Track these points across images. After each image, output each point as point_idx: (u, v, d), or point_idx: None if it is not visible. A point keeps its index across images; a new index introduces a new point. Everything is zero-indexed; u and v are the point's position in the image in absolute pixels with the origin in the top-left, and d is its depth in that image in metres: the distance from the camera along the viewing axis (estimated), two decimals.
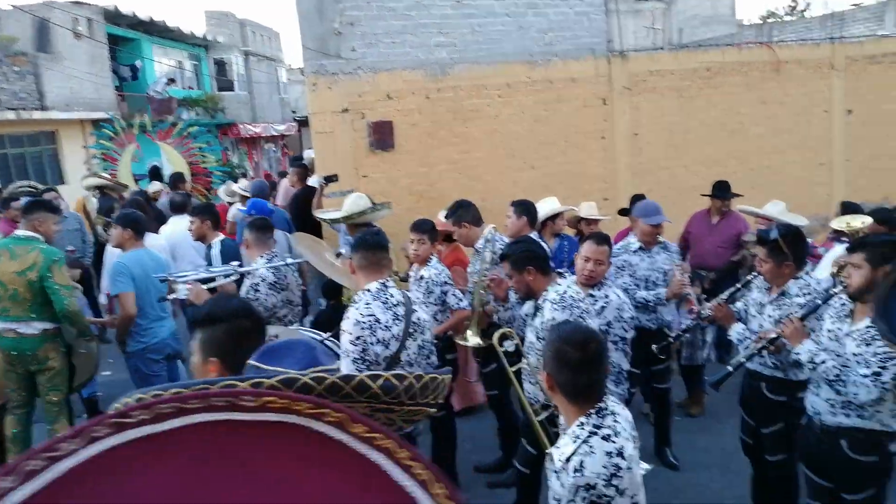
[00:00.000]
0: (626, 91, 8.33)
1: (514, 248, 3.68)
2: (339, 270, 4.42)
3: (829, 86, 9.60)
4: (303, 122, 26.71)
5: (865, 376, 2.88)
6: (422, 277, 4.60)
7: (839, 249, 4.80)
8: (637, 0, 20.83)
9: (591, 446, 2.06)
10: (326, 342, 3.59)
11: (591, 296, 3.96)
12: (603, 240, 4.08)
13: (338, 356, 3.33)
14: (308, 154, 8.21)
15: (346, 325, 3.18)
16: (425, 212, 7.42)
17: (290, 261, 4.60)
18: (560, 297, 3.46)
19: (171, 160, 11.21)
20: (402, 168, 7.32)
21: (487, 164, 7.76)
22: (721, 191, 6.43)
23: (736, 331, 3.73)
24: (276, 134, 29.37)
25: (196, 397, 0.76)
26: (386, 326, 3.21)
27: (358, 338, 3.13)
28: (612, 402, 2.21)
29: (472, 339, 4.51)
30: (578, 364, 2.10)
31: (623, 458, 2.05)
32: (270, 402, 0.78)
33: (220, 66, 26.30)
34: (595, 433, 2.08)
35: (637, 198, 6.02)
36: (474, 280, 4.77)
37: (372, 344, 3.15)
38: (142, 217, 5.14)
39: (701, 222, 6.59)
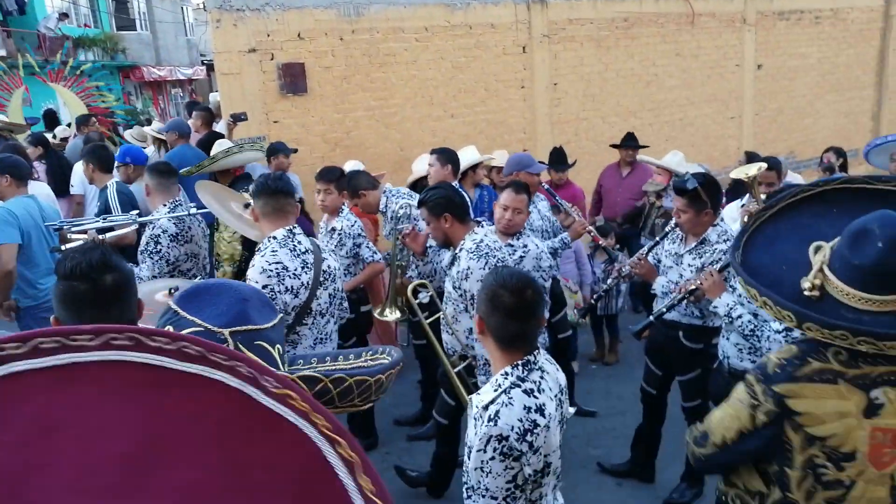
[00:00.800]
0: (546, 39, 8.21)
1: (431, 194, 3.52)
2: (246, 222, 4.14)
3: (740, 40, 9.81)
4: (212, 67, 25.31)
5: (778, 332, 2.91)
6: (333, 229, 4.40)
7: (734, 203, 4.88)
8: None
9: (510, 397, 1.97)
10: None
11: (510, 245, 3.89)
12: (521, 188, 3.99)
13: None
14: (214, 98, 7.70)
15: (252, 273, 2.99)
16: (341, 160, 7.15)
17: (194, 211, 4.28)
18: (476, 246, 3.36)
19: (68, 102, 10.27)
20: (315, 114, 6.98)
21: (406, 111, 7.52)
22: (628, 141, 6.48)
23: (660, 284, 3.74)
24: (183, 78, 27.76)
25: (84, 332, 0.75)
26: (294, 274, 3.04)
27: (265, 286, 2.93)
28: (544, 359, 2.13)
29: (392, 313, 4.38)
30: (512, 309, 2.00)
31: (542, 415, 1.97)
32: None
33: (120, 2, 24.44)
34: (518, 385, 2.00)
35: (556, 151, 5.95)
36: (389, 248, 4.64)
37: (280, 293, 2.97)
38: (20, 161, 4.66)
39: (612, 175, 6.66)
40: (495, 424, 1.93)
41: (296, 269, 3.04)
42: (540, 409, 1.97)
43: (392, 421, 5.07)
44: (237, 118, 6.31)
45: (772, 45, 10.13)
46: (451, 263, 3.52)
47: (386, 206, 4.68)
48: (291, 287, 3.01)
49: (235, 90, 6.55)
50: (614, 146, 6.68)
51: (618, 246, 5.76)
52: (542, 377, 2.05)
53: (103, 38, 21.76)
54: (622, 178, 6.54)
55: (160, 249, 4.05)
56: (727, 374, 3.30)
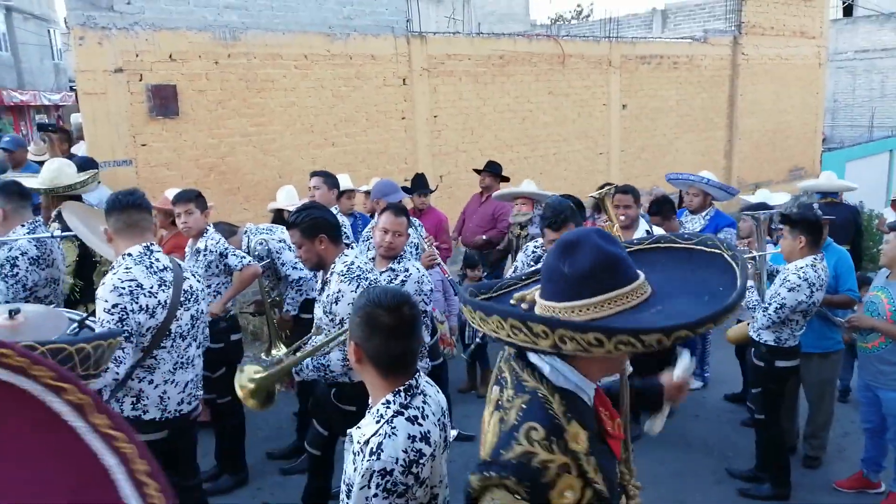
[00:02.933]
0: (426, 72, 8.41)
1: (303, 215, 3.37)
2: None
3: (607, 81, 10.48)
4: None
5: None
6: (198, 250, 4.23)
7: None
8: None
9: (393, 427, 1.82)
10: (87, 322, 3.15)
11: (392, 269, 3.86)
12: (401, 211, 3.99)
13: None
14: (75, 118, 7.26)
15: (101, 291, 2.80)
16: (216, 188, 6.95)
17: (57, 233, 3.98)
18: (347, 269, 3.29)
19: None
20: (188, 137, 6.74)
21: (285, 138, 7.42)
22: (489, 168, 6.71)
23: None
24: (48, 104, 25.99)
25: None
26: (150, 293, 2.87)
27: (115, 305, 2.75)
28: (425, 383, 2.00)
29: (278, 350, 4.25)
30: (391, 329, 1.84)
31: (428, 443, 1.83)
32: None
33: None
34: (401, 413, 1.84)
35: (418, 177, 6.08)
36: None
37: (133, 312, 2.80)
38: None
39: (473, 202, 6.86)
40: (378, 458, 1.77)
41: (152, 287, 2.88)
42: (425, 438, 1.84)
43: (265, 454, 4.88)
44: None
45: (635, 86, 10.89)
46: (322, 288, 3.44)
47: (248, 246, 4.58)
48: (147, 306, 2.85)
49: (99, 111, 6.21)
50: (476, 171, 6.87)
51: (486, 273, 5.84)
52: (424, 402, 1.92)
53: None
54: (479, 204, 6.73)
55: (17, 273, 3.73)
56: None
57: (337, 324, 3.27)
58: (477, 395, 5.81)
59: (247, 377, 3.26)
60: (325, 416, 3.58)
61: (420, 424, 1.85)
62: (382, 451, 1.77)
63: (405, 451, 1.78)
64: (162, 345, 2.95)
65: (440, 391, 2.09)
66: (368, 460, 1.77)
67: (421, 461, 1.80)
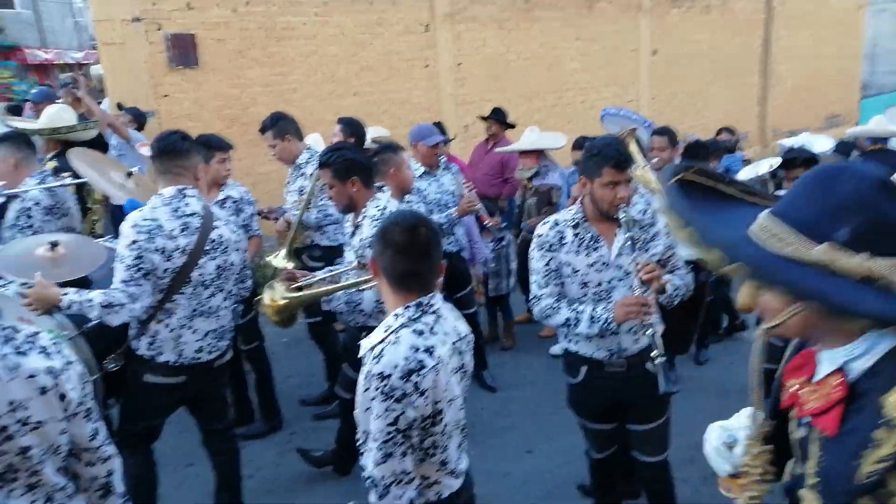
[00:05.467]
0: (448, 18, 8.17)
1: (335, 156, 3.25)
2: (131, 192, 3.84)
3: (636, 26, 10.13)
4: None
5: (688, 273, 2.92)
6: (227, 198, 4.17)
7: None
8: None
9: (398, 336, 1.86)
10: None
11: (408, 202, 3.84)
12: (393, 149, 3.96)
13: None
14: (95, 70, 7.20)
15: (124, 226, 2.78)
16: (239, 139, 6.85)
17: (69, 181, 3.93)
18: (380, 213, 3.20)
19: None
20: (208, 88, 6.65)
21: (306, 88, 7.29)
22: (495, 115, 6.43)
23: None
24: (72, 62, 26.01)
25: None
26: (170, 235, 2.82)
27: (133, 241, 2.71)
28: (442, 305, 2.01)
29: (281, 261, 4.20)
30: (403, 247, 1.89)
31: (430, 356, 1.85)
32: None
33: None
34: (407, 326, 1.89)
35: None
36: (294, 199, 4.45)
37: (148, 251, 2.76)
38: None
39: (478, 150, 6.59)
40: (378, 362, 1.83)
41: (172, 231, 2.82)
42: (428, 350, 1.86)
43: (298, 402, 4.90)
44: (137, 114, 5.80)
45: (666, 31, 10.52)
46: (353, 232, 3.37)
47: (308, 160, 4.51)
48: (163, 248, 2.79)
49: (119, 61, 6.14)
50: (482, 118, 6.55)
51: (504, 224, 5.69)
52: (436, 321, 1.95)
53: None
54: (485, 152, 6.49)
55: (32, 224, 3.71)
56: (625, 366, 2.84)
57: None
58: (501, 346, 5.72)
59: (279, 293, 3.24)
60: (356, 359, 3.55)
61: (425, 338, 1.89)
62: (383, 357, 1.83)
63: (405, 359, 1.82)
64: (181, 290, 2.90)
65: (461, 319, 2.10)
66: (370, 364, 1.85)
67: (422, 371, 1.82)
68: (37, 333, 1.67)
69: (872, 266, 1.08)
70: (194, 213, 2.93)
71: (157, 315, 2.88)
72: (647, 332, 2.64)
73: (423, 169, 4.81)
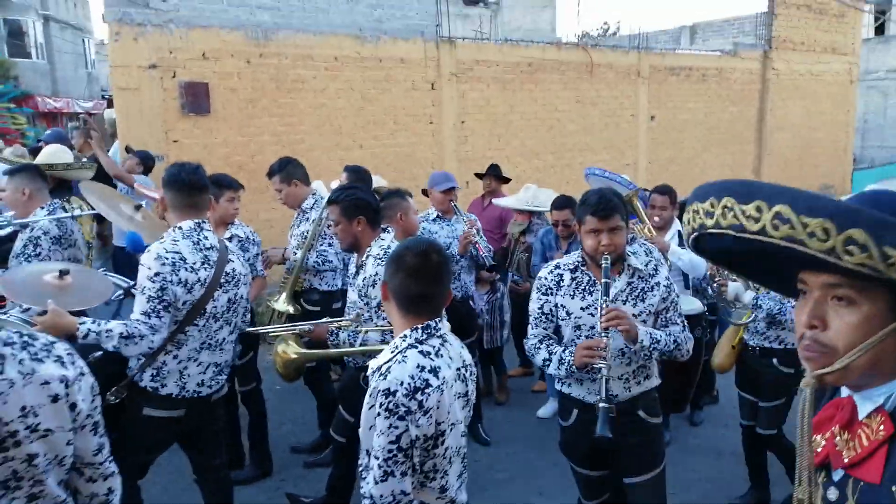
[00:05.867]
0: (454, 77, 8.44)
1: (345, 194, 3.33)
2: (139, 225, 3.91)
3: (635, 91, 10.44)
4: (112, 102, 24.41)
5: (683, 331, 2.87)
6: (234, 236, 4.24)
7: None
8: (466, 5, 21.52)
9: (405, 356, 1.91)
10: (133, 291, 3.16)
11: None
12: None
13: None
14: (108, 114, 7.38)
15: (146, 258, 2.80)
16: (245, 185, 6.97)
17: (77, 212, 4.02)
18: (384, 252, 3.25)
19: None
20: (218, 135, 6.81)
21: (313, 139, 7.47)
22: (491, 171, 6.51)
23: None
24: (80, 112, 26.54)
25: None
26: (192, 268, 2.85)
27: (157, 274, 2.75)
28: (448, 332, 2.07)
29: (283, 305, 4.23)
30: (415, 270, 1.95)
31: (436, 376, 1.89)
32: None
33: (15, 29, 23.28)
34: (415, 347, 1.94)
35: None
36: (297, 243, 4.51)
37: (172, 283, 2.79)
38: None
39: (475, 205, 6.68)
40: (384, 378, 1.86)
41: (194, 263, 2.87)
42: (434, 371, 1.90)
43: (290, 449, 4.84)
44: (144, 157, 5.93)
45: (664, 98, 10.84)
46: (357, 272, 3.42)
47: (313, 206, 4.61)
48: (186, 280, 2.83)
49: (133, 106, 6.30)
50: (478, 175, 6.65)
51: (498, 276, 5.73)
52: (442, 345, 2.00)
53: None
54: (483, 208, 6.59)
55: (40, 252, 3.77)
56: (612, 414, 2.71)
57: (373, 308, 3.23)
58: (495, 401, 5.61)
59: (292, 348, 3.29)
60: (352, 401, 3.54)
61: (431, 359, 1.92)
62: (389, 374, 1.87)
63: (411, 378, 1.85)
64: (195, 322, 2.93)
65: (465, 348, 2.14)
66: (376, 381, 1.89)
67: (427, 390, 1.85)
68: (54, 342, 1.69)
69: None
70: (213, 247, 2.99)
71: (165, 346, 2.88)
72: (598, 376, 2.64)
73: (436, 213, 4.94)
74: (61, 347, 1.69)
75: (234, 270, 3.08)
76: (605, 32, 33.31)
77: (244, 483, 4.29)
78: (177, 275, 2.80)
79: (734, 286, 3.88)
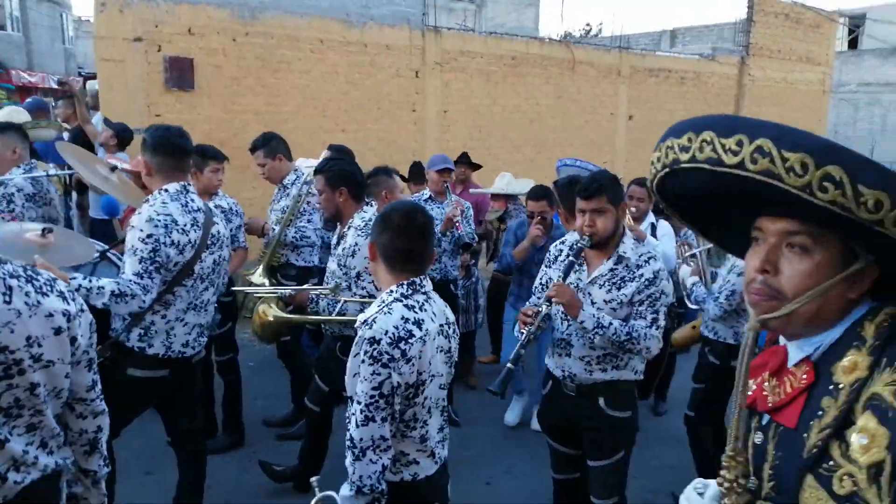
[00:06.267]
0: (438, 67, 8.52)
1: (331, 164, 3.41)
2: (114, 186, 3.92)
3: (615, 90, 10.61)
4: (90, 78, 24.01)
5: (649, 327, 2.74)
6: (217, 207, 4.28)
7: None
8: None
9: (390, 308, 2.00)
10: (109, 254, 3.19)
11: None
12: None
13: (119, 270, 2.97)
14: (91, 86, 7.33)
15: (137, 220, 2.82)
16: (226, 163, 6.99)
17: (52, 171, 4.04)
18: (365, 224, 3.31)
19: None
20: (201, 111, 6.81)
21: (297, 120, 7.49)
22: (462, 159, 6.55)
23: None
24: (56, 87, 26.06)
25: None
26: (183, 230, 2.89)
27: (150, 235, 2.78)
28: (432, 292, 2.15)
29: (259, 277, 4.29)
30: (402, 228, 2.04)
31: (419, 328, 1.99)
32: None
33: None
34: (400, 300, 2.02)
35: (415, 164, 6.17)
36: (277, 217, 4.56)
37: (165, 245, 2.83)
38: None
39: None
40: (370, 328, 1.95)
41: (185, 225, 2.91)
42: (418, 323, 1.99)
43: (261, 422, 4.89)
44: (121, 130, 5.88)
45: (643, 98, 11.03)
46: (338, 242, 3.48)
47: (294, 182, 4.65)
48: (178, 242, 2.87)
49: (117, 78, 6.28)
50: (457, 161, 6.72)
51: (473, 261, 5.80)
52: (427, 301, 2.09)
53: None
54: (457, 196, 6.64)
55: (13, 209, 3.78)
56: (574, 393, 2.89)
57: (353, 277, 3.30)
58: (466, 384, 5.63)
59: (272, 311, 3.35)
60: (328, 371, 3.61)
61: (415, 312, 2.01)
62: (375, 324, 1.96)
63: (395, 328, 1.94)
64: (183, 283, 2.98)
65: (448, 308, 2.21)
66: (362, 329, 1.98)
67: (410, 340, 1.95)
68: (55, 279, 1.74)
69: None
70: (199, 209, 3.04)
71: (153, 306, 2.91)
72: (564, 350, 2.86)
73: (429, 194, 5.03)
74: (62, 284, 1.75)
75: (218, 232, 3.14)
76: (587, 33, 33.60)
77: (216, 452, 4.32)
78: (169, 236, 2.84)
79: (683, 271, 4.04)
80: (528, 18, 30.18)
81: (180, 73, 6.53)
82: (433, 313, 2.08)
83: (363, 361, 1.94)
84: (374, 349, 1.92)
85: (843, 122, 24.46)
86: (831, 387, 1.05)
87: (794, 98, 13.50)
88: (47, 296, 1.66)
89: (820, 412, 1.05)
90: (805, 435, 1.07)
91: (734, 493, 1.18)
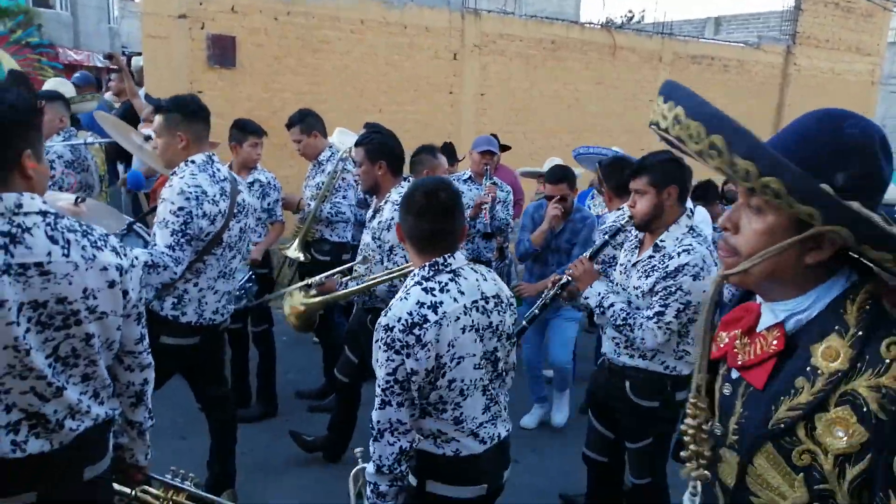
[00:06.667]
0: (476, 49, 8.49)
1: (372, 137, 3.41)
2: (148, 154, 4.04)
3: (656, 77, 10.44)
4: (135, 55, 24.38)
5: (649, 318, 2.64)
6: (256, 181, 4.37)
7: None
8: None
9: (408, 293, 1.99)
10: (135, 227, 3.27)
11: None
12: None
13: (146, 243, 3.04)
14: (136, 62, 7.48)
15: (168, 193, 2.84)
16: (266, 141, 7.07)
17: (90, 139, 4.19)
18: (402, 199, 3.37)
19: (7, 64, 9.75)
20: (243, 89, 6.91)
21: (335, 100, 7.55)
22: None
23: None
24: (100, 66, 26.62)
25: None
26: (213, 200, 2.92)
27: (181, 208, 2.81)
28: (465, 265, 2.08)
29: (294, 252, 4.36)
30: (424, 209, 2.01)
31: (435, 312, 1.94)
32: None
33: None
34: (419, 284, 2.00)
35: (446, 145, 6.13)
36: (312, 193, 4.63)
37: (197, 216, 2.86)
38: None
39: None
40: (386, 315, 1.96)
41: (214, 196, 2.94)
42: (434, 306, 1.96)
43: (294, 394, 4.99)
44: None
45: (685, 85, 10.82)
46: (373, 216, 3.49)
47: (329, 158, 4.71)
48: (209, 213, 2.90)
49: (161, 54, 6.40)
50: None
51: (506, 243, 5.78)
52: (453, 279, 2.03)
53: (16, 10, 20.63)
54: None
55: (53, 175, 3.92)
56: (606, 370, 2.93)
57: (385, 251, 3.33)
58: None
59: (298, 300, 3.40)
60: (358, 342, 3.66)
61: (434, 295, 1.98)
62: (391, 310, 1.97)
63: (409, 314, 1.93)
64: (213, 252, 3.02)
65: (491, 280, 2.15)
66: (382, 317, 1.98)
67: (424, 325, 1.92)
68: (107, 234, 1.80)
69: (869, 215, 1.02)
70: (226, 178, 3.06)
71: (185, 275, 2.96)
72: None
73: (468, 174, 5.06)
74: (114, 239, 1.80)
75: (244, 201, 3.16)
76: (629, 20, 33.03)
77: (249, 421, 4.44)
78: (201, 208, 2.86)
79: None
80: (569, 5, 29.78)
81: (223, 51, 6.63)
82: (460, 291, 2.03)
83: (379, 348, 1.95)
84: (388, 336, 1.92)
85: (891, 115, 23.67)
86: (808, 368, 1.07)
87: (841, 89, 13.12)
88: (102, 250, 1.72)
89: (793, 390, 1.08)
90: (773, 406, 1.10)
91: (698, 439, 1.23)
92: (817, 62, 12.52)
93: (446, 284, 2.02)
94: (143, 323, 1.92)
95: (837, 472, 1.03)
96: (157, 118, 3.00)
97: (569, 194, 4.27)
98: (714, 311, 1.22)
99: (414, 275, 2.06)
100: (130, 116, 5.59)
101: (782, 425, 1.08)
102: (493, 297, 2.11)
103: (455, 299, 2.00)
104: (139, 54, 7.39)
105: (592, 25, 10.45)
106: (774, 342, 1.14)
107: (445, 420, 2.03)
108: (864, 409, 1.00)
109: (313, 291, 3.53)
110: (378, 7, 7.61)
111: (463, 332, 2.00)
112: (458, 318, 1.99)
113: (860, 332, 1.05)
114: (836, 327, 1.07)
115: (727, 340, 1.25)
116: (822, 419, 1.04)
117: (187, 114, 2.96)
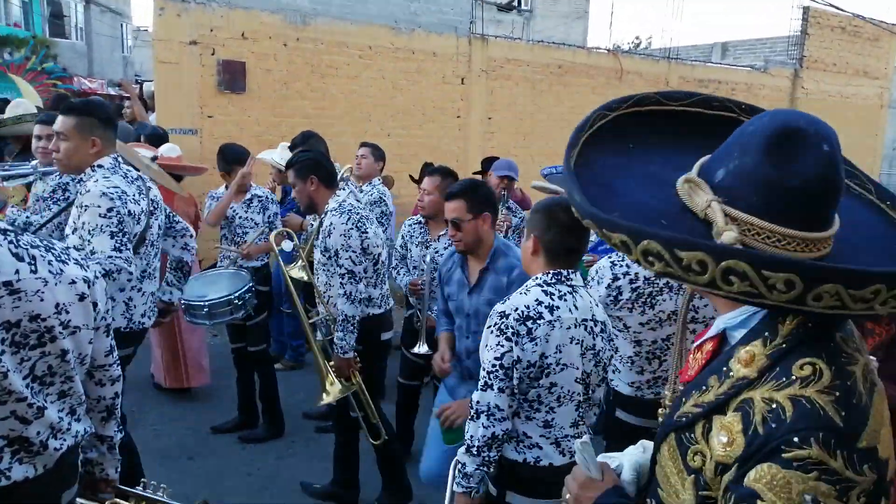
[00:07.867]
0: (484, 74, 8.57)
1: (299, 157, 3.46)
2: (156, 172, 4.07)
3: None
4: (146, 82, 24.78)
5: None
6: (254, 196, 4.44)
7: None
8: (500, 11, 21.68)
9: (528, 290, 2.09)
10: None
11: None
12: (447, 173, 3.98)
13: None
14: (148, 87, 7.62)
15: (89, 199, 2.68)
16: None
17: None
18: (339, 205, 3.32)
19: (28, 96, 9.91)
20: (252, 114, 7.00)
21: (344, 124, 7.63)
22: (487, 165, 6.50)
23: None
24: (113, 94, 27.06)
25: None
26: (135, 200, 2.81)
27: (110, 209, 2.66)
28: (582, 286, 2.17)
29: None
30: (568, 225, 2.05)
31: (551, 313, 2.03)
32: None
33: (57, 10, 23.84)
34: (540, 286, 2.09)
35: (486, 160, 6.17)
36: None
37: (125, 216, 2.72)
38: None
39: None
40: (503, 303, 2.06)
41: (134, 195, 2.83)
42: (551, 308, 2.04)
43: (301, 414, 4.98)
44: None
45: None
46: (318, 231, 3.49)
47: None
48: (133, 212, 2.80)
49: (172, 79, 6.51)
50: (477, 173, 6.62)
51: None
52: (571, 293, 2.11)
53: (34, 41, 21.08)
54: None
55: (68, 196, 3.93)
56: None
57: (331, 257, 3.30)
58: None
59: (338, 389, 3.48)
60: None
61: (552, 299, 2.06)
62: (508, 300, 2.08)
63: (527, 307, 2.02)
64: (137, 252, 2.90)
65: (598, 305, 2.21)
66: (499, 304, 2.08)
67: (538, 321, 2.01)
68: (68, 247, 1.76)
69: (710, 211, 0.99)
70: (138, 177, 2.97)
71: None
72: None
73: None
74: (75, 252, 1.76)
75: (156, 196, 3.09)
76: (636, 46, 33.30)
77: (257, 441, 4.44)
78: (126, 207, 2.75)
79: None
80: (577, 31, 30.10)
81: (232, 76, 6.73)
82: (575, 306, 2.10)
83: (491, 332, 2.03)
84: (502, 322, 2.02)
85: None
86: (725, 369, 1.04)
87: (850, 112, 13.11)
88: (67, 263, 1.68)
89: (704, 387, 1.05)
90: (683, 399, 1.09)
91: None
92: (825, 86, 12.54)
93: (564, 295, 2.10)
94: (112, 334, 1.88)
95: (719, 480, 0.98)
96: (66, 120, 2.81)
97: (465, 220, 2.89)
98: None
99: (536, 277, 2.13)
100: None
101: (684, 419, 1.05)
102: (601, 322, 2.18)
103: (570, 310, 2.09)
104: (152, 81, 7.52)
105: (599, 50, 10.54)
106: (706, 355, 1.13)
107: (535, 422, 2.10)
108: (749, 418, 0.95)
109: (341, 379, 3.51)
110: (386, 32, 7.72)
111: (571, 342, 2.08)
112: (570, 328, 2.07)
113: (784, 345, 0.99)
114: (766, 334, 1.02)
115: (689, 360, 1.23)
116: (717, 422, 1.00)
117: (103, 119, 2.89)
